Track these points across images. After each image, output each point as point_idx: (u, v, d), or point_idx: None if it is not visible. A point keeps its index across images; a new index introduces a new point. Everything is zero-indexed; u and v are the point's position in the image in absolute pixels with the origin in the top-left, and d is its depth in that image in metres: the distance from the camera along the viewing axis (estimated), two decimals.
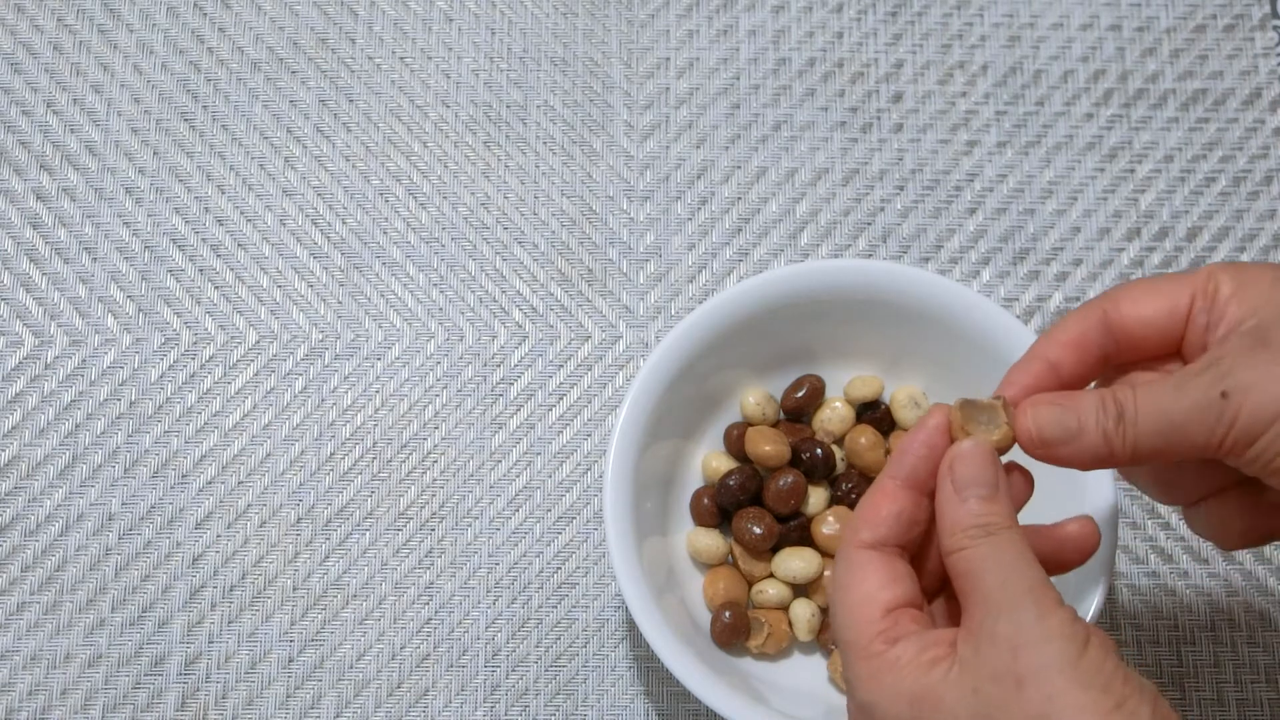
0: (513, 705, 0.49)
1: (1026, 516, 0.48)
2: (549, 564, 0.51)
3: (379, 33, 0.57)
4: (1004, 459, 0.35)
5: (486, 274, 0.54)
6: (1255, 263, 0.35)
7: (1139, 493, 0.52)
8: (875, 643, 0.33)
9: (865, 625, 0.33)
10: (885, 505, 0.34)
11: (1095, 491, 0.44)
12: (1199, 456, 0.33)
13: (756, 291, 0.46)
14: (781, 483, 0.47)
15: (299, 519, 0.51)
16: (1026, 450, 0.35)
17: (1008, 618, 0.31)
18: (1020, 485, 0.36)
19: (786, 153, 0.56)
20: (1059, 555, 0.36)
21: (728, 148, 0.56)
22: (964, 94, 0.56)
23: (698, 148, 0.56)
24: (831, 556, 0.47)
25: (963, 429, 0.35)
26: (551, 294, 0.54)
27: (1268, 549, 0.51)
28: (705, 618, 0.47)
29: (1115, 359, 0.36)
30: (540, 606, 0.50)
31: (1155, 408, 0.33)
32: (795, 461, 0.48)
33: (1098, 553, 0.43)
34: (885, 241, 0.55)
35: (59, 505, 0.51)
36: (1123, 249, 0.54)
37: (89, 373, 0.53)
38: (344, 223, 0.55)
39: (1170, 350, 0.35)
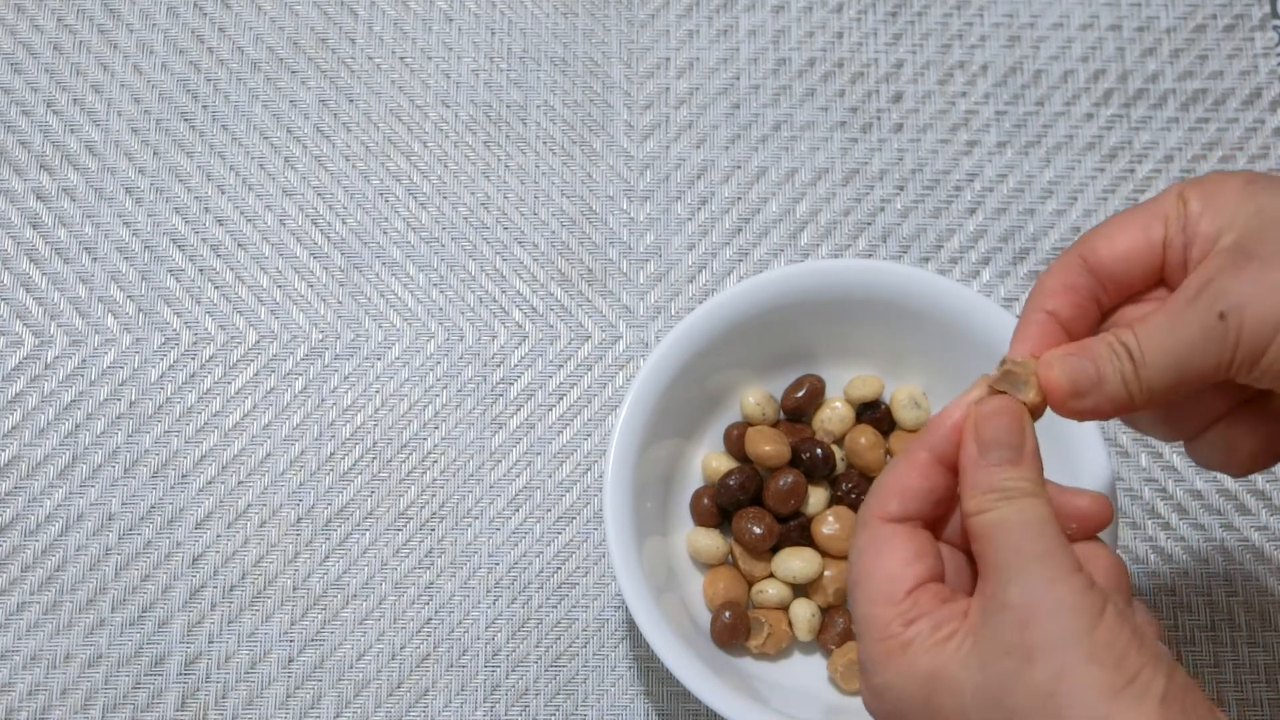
0: (513, 705, 0.49)
1: None
2: (549, 564, 0.51)
3: (379, 33, 0.57)
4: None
5: (486, 274, 0.54)
6: (1219, 172, 0.34)
7: (1139, 492, 0.52)
8: (893, 625, 0.32)
9: (885, 607, 0.32)
10: (916, 479, 0.33)
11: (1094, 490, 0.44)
12: (1211, 381, 0.32)
13: (756, 291, 0.46)
14: (781, 483, 0.47)
15: (299, 519, 0.51)
16: (1056, 405, 0.34)
17: (1018, 584, 0.30)
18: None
19: (786, 153, 0.56)
20: (1064, 528, 0.34)
21: (728, 148, 0.56)
22: (964, 94, 0.56)
23: (698, 148, 0.56)
24: (832, 556, 0.47)
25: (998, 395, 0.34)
26: (551, 294, 0.54)
27: (1265, 550, 0.51)
28: (705, 618, 0.47)
29: (1105, 303, 0.35)
30: (540, 606, 0.50)
31: (1158, 343, 0.32)
32: (795, 461, 0.48)
33: None
34: (885, 241, 0.55)
35: (59, 505, 0.51)
36: None
37: (89, 373, 0.53)
38: (344, 223, 0.55)
39: (1154, 281, 0.35)
